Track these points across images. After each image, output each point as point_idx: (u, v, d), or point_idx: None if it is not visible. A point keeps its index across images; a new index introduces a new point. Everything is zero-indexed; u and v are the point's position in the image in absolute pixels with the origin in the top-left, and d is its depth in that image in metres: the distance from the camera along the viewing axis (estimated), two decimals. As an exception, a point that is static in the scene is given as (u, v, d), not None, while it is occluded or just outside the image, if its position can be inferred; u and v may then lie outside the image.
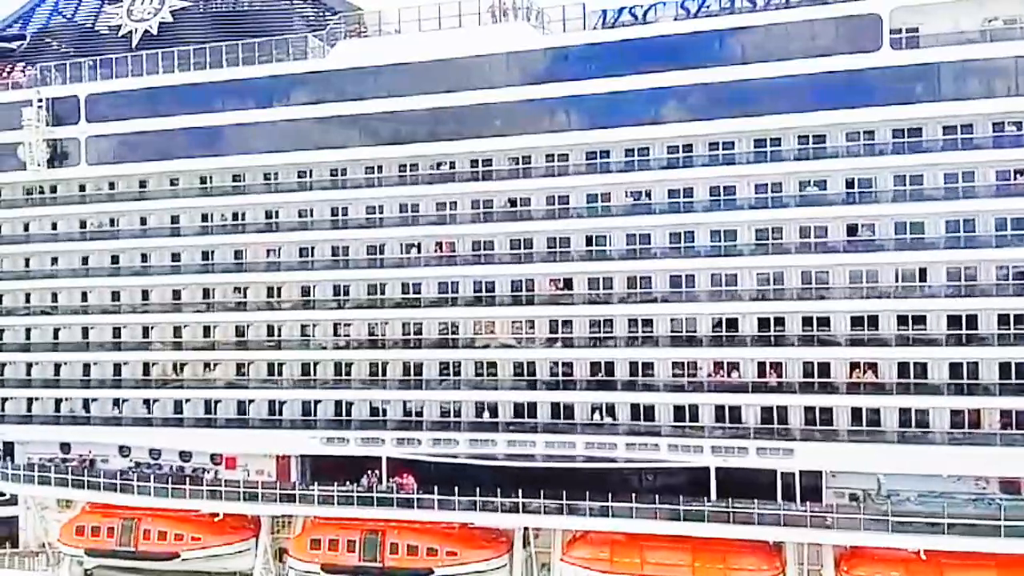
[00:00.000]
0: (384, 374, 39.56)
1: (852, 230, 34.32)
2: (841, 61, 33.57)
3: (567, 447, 36.36)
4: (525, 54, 37.58)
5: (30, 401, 44.62)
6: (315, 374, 40.29)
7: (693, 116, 35.46)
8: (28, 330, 45.02)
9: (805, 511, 32.36)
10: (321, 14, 44.93)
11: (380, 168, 39.85)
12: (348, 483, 37.65)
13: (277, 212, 41.31)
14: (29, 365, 44.76)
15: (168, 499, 38.85)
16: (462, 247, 38.95)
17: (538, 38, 37.78)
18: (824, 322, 34.38)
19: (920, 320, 33.48)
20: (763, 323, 34.92)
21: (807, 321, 34.54)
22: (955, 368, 32.95)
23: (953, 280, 33.27)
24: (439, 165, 39.33)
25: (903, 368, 33.45)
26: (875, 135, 34.14)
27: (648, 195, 36.76)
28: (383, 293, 39.75)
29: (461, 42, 37.90)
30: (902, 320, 33.60)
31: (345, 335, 40.31)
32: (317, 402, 39.93)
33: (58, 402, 44.09)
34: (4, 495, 43.65)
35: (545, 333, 37.71)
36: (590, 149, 37.29)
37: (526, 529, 36.47)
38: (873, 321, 33.85)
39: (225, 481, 39.14)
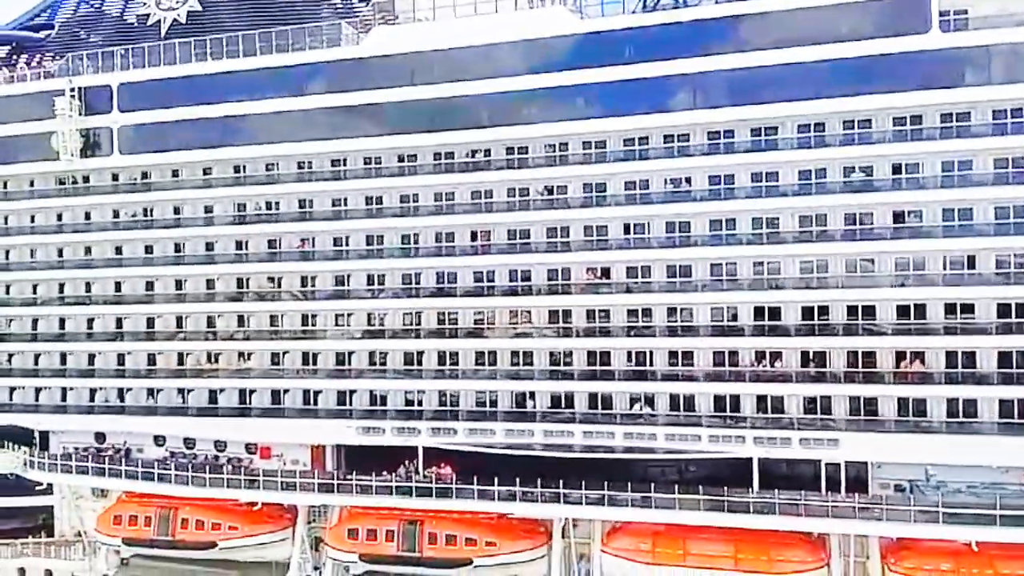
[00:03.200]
0: (419, 364, 39.30)
1: (898, 217, 33.73)
2: (889, 44, 32.89)
3: (606, 437, 36.03)
4: (562, 39, 36.98)
5: (64, 391, 44.76)
6: (350, 364, 40.15)
7: (735, 101, 34.81)
8: (62, 320, 45.14)
9: (853, 502, 31.93)
10: (350, 2, 44.59)
11: (415, 156, 39.55)
12: (384, 472, 37.49)
13: (311, 201, 41.08)
14: (64, 355, 44.90)
15: (207, 488, 38.82)
16: (498, 236, 38.58)
17: (576, 22, 37.16)
18: (869, 311, 33.82)
19: (968, 308, 32.90)
20: (807, 312, 34.40)
21: (852, 310, 33.98)
22: (1004, 357, 32.34)
23: (1003, 267, 32.64)
24: (474, 153, 38.90)
25: (951, 357, 32.91)
26: (923, 119, 33.43)
27: (688, 182, 36.26)
28: (418, 282, 39.51)
29: (498, 28, 37.40)
30: (950, 308, 33.04)
31: (380, 324, 40.08)
32: (352, 392, 39.80)
33: (93, 392, 44.19)
34: (40, 484, 43.79)
35: (582, 323, 37.31)
36: (627, 136, 36.79)
37: (565, 519, 36.17)
38: (920, 309, 33.26)
39: (263, 471, 39.04)
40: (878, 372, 33.55)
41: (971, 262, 33.01)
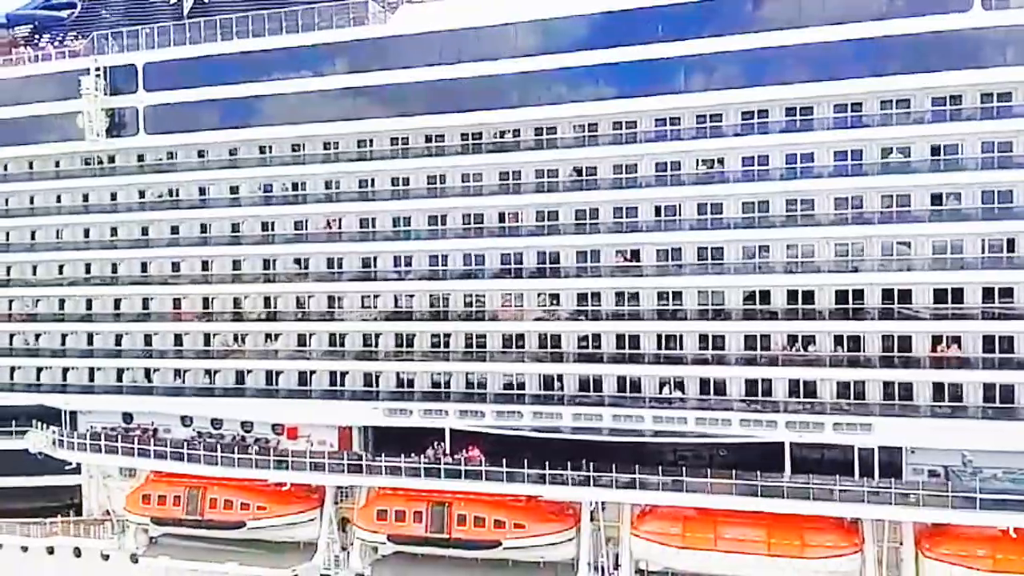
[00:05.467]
0: (446, 346, 39.14)
1: (937, 199, 33.16)
2: (929, 22, 32.16)
3: (635, 421, 35.84)
4: (591, 17, 36.40)
5: (92, 371, 44.92)
6: (377, 345, 40.02)
7: (770, 80, 34.19)
8: (89, 300, 45.23)
9: (889, 487, 31.55)
10: (374, -21, 43.97)
11: (442, 137, 39.20)
12: (411, 454, 37.36)
13: (338, 182, 40.83)
14: (91, 335, 45.01)
15: (235, 468, 38.85)
16: (526, 217, 38.23)
17: (605, 0, 36.47)
18: (905, 294, 33.34)
19: (1007, 292, 32.40)
20: (841, 295, 33.98)
21: (887, 294, 33.52)
22: (1044, 342, 31.93)
23: (1043, 251, 32.13)
24: (502, 134, 38.51)
25: (988, 342, 32.42)
26: (963, 100, 32.78)
27: (721, 163, 35.78)
28: (445, 264, 39.24)
29: (526, 6, 36.86)
30: (988, 292, 32.51)
31: (407, 306, 39.92)
32: (379, 373, 39.74)
33: (120, 372, 44.35)
34: (69, 464, 44.02)
35: (612, 305, 36.99)
36: (658, 116, 36.32)
37: (594, 503, 36.04)
38: (957, 293, 32.74)
39: (292, 451, 39.09)
40: (914, 356, 33.14)
41: (1010, 245, 32.46)
